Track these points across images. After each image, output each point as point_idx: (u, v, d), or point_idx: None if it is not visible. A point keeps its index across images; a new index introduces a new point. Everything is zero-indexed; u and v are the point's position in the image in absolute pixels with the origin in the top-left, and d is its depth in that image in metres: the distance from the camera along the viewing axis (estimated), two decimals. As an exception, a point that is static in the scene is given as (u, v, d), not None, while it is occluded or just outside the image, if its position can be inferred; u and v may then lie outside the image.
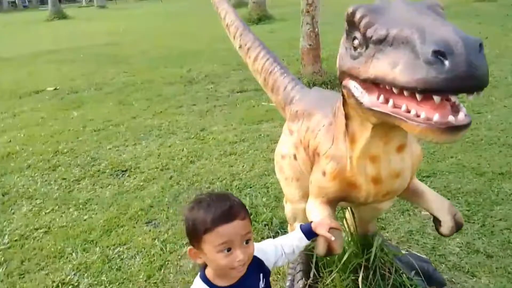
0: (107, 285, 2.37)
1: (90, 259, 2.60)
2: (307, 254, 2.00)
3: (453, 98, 0.96)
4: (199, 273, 1.28)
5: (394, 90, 1.01)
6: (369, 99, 1.12)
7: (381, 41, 1.05)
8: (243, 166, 3.63)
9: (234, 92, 5.91)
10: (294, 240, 1.40)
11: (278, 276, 2.22)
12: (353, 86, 1.18)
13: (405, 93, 0.98)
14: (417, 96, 0.95)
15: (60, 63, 9.12)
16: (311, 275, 1.96)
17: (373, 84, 1.10)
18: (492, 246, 2.29)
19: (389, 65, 1.01)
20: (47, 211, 3.18)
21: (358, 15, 1.12)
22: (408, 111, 1.01)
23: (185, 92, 6.21)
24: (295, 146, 1.72)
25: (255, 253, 1.25)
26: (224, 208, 1.16)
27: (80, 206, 3.21)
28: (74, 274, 2.46)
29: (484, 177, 2.98)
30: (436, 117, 0.94)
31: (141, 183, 3.51)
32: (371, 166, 1.34)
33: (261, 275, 1.32)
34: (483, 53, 0.88)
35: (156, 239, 2.73)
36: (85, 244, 2.73)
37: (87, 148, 4.32)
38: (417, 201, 1.55)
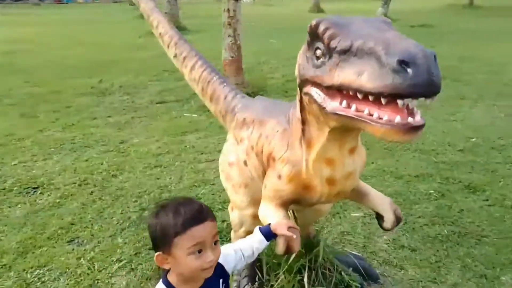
0: (29, 311, 2.14)
1: (4, 285, 2.31)
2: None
3: (411, 104, 1.09)
4: (161, 279, 1.25)
5: (359, 96, 1.12)
6: (332, 104, 1.22)
7: (345, 52, 1.15)
8: (170, 178, 3.54)
9: (153, 103, 5.75)
10: (254, 243, 1.43)
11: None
12: (315, 92, 1.27)
13: (370, 98, 1.09)
14: (382, 100, 1.06)
15: None
16: (257, 279, 1.99)
17: (336, 90, 1.20)
18: (414, 241, 2.56)
19: (354, 73, 1.11)
20: None
21: (322, 27, 1.21)
22: (371, 115, 1.12)
23: (99, 103, 5.87)
24: (246, 153, 1.76)
25: None
26: (193, 210, 1.16)
27: (-14, 228, 2.84)
28: (-13, 304, 2.17)
29: (402, 180, 3.33)
30: (397, 119, 1.06)
31: (58, 200, 3.22)
32: (326, 168, 1.44)
33: (221, 280, 1.33)
34: (437, 63, 1.03)
35: (82, 258, 2.53)
36: (-4, 270, 2.43)
37: (-14, 166, 3.84)
38: (362, 200, 1.70)
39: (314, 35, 1.25)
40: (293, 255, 1.89)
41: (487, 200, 3.03)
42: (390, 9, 16.53)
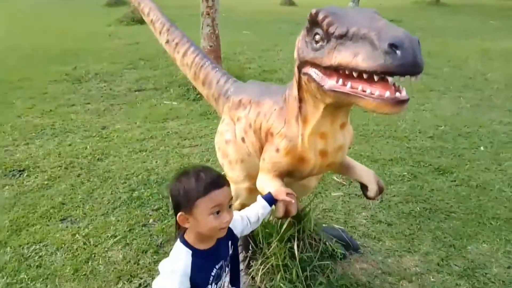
0: (29, 282, 2.23)
1: (2, 259, 2.39)
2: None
3: (397, 82, 1.29)
4: (178, 238, 1.39)
5: (354, 74, 1.30)
6: (330, 82, 1.39)
7: (342, 36, 1.33)
8: (156, 162, 3.65)
9: (131, 91, 5.78)
10: (259, 209, 1.59)
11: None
12: (314, 72, 1.44)
13: (365, 76, 1.27)
14: (375, 77, 1.25)
15: None
16: (250, 247, 2.16)
17: (333, 70, 1.38)
18: (390, 216, 2.81)
19: (351, 55, 1.29)
20: None
21: (321, 15, 1.38)
22: (364, 91, 1.31)
23: (75, 90, 5.83)
24: (244, 130, 1.91)
25: None
26: (213, 176, 1.31)
27: (-24, 209, 2.87)
28: (-14, 278, 2.24)
29: (378, 163, 3.58)
30: (387, 94, 1.25)
31: (46, 182, 3.27)
32: (320, 142, 1.63)
33: (230, 242, 1.49)
34: (420, 48, 1.22)
35: (77, 234, 2.63)
36: (-8, 246, 2.49)
37: (-33, 150, 3.81)
38: (348, 172, 1.90)
39: (314, 22, 1.42)
40: (284, 225, 2.07)
41: (455, 181, 3.32)
42: (360, 4, 16.93)
